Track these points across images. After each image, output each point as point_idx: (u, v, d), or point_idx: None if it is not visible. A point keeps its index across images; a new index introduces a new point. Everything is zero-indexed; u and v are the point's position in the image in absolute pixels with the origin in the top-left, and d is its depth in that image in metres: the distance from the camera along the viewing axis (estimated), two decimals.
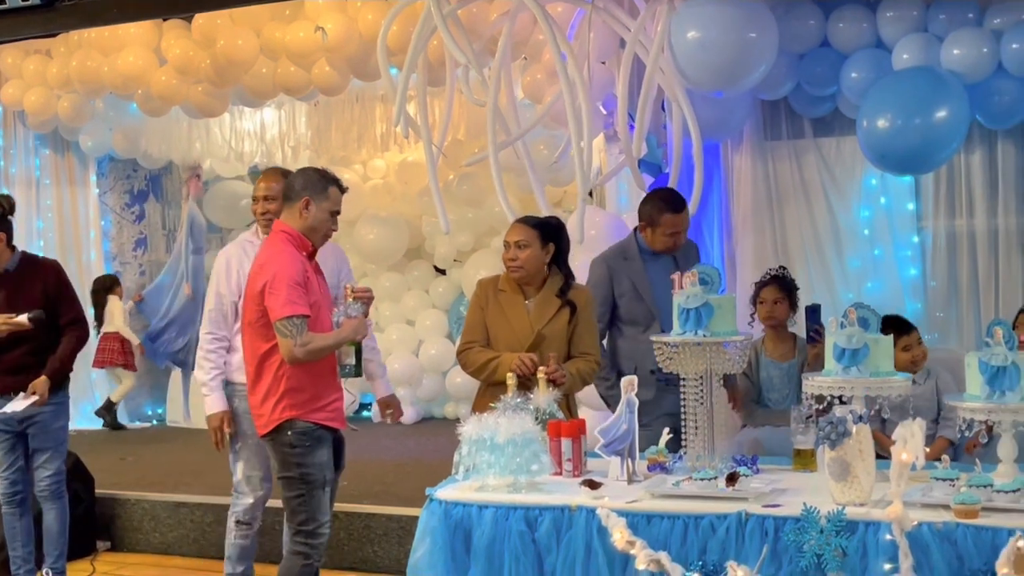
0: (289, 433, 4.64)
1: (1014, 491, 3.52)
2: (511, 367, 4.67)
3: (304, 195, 4.70)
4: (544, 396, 4.44)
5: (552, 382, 4.57)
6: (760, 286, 5.97)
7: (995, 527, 3.37)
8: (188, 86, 8.46)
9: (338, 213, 4.83)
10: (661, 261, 5.41)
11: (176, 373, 10.23)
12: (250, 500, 5.31)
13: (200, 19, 8.04)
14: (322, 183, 4.74)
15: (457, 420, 9.54)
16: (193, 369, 9.03)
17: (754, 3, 6.05)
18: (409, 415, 9.93)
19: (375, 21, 7.48)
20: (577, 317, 4.93)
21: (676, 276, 4.29)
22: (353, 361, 4.83)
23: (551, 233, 4.99)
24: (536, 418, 4.21)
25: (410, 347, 9.99)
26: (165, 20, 8.37)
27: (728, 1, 5.96)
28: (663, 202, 5.38)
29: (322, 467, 4.70)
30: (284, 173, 5.23)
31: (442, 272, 10.28)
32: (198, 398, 9.35)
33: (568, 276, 5.02)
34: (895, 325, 5.24)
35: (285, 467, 4.68)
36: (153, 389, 10.69)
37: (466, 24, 6.51)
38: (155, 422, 10.52)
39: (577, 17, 6.62)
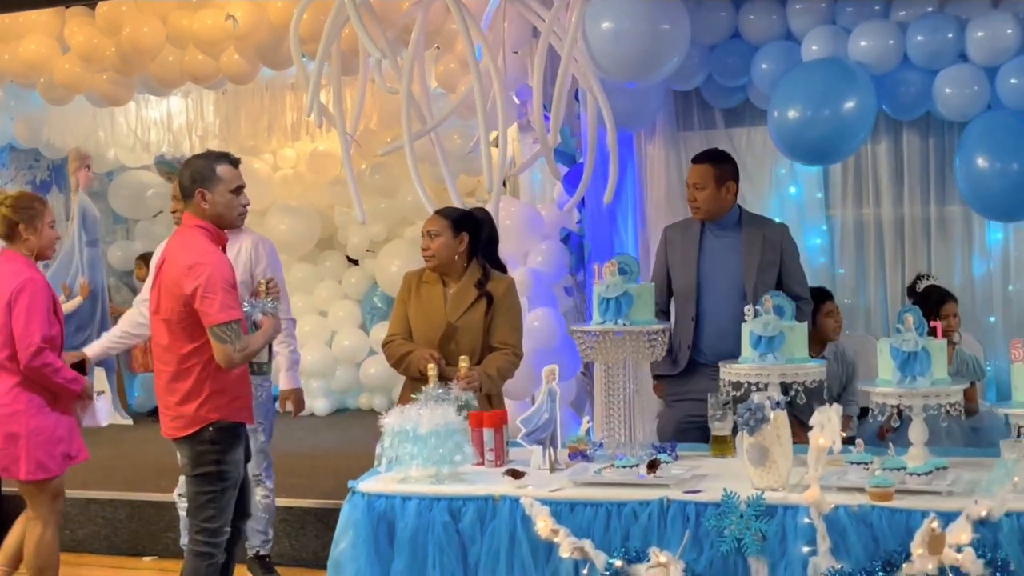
0: (211, 430, 4.53)
1: (926, 473, 3.61)
2: (419, 366, 4.70)
3: (195, 187, 4.55)
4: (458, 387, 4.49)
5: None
6: None
7: (909, 509, 3.46)
8: (92, 74, 8.25)
9: (241, 188, 4.66)
10: (727, 235, 5.38)
11: (99, 373, 9.89)
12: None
13: (104, 6, 7.85)
14: (209, 167, 4.57)
15: (372, 411, 9.58)
16: (101, 365, 8.89)
17: None
18: (323, 407, 9.88)
19: (285, 8, 7.38)
20: (495, 308, 4.93)
21: (596, 266, 4.33)
22: (266, 359, 4.81)
23: (464, 223, 5.02)
24: (457, 409, 4.21)
25: (323, 338, 9.93)
26: (68, 7, 8.17)
27: None
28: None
29: (238, 465, 4.66)
30: None
31: (355, 262, 10.23)
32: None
33: (486, 267, 5.02)
34: (817, 295, 5.66)
35: (202, 464, 4.56)
36: None
37: (379, 12, 6.47)
38: None
39: (491, 7, 6.62)
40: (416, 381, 4.67)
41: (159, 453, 8.06)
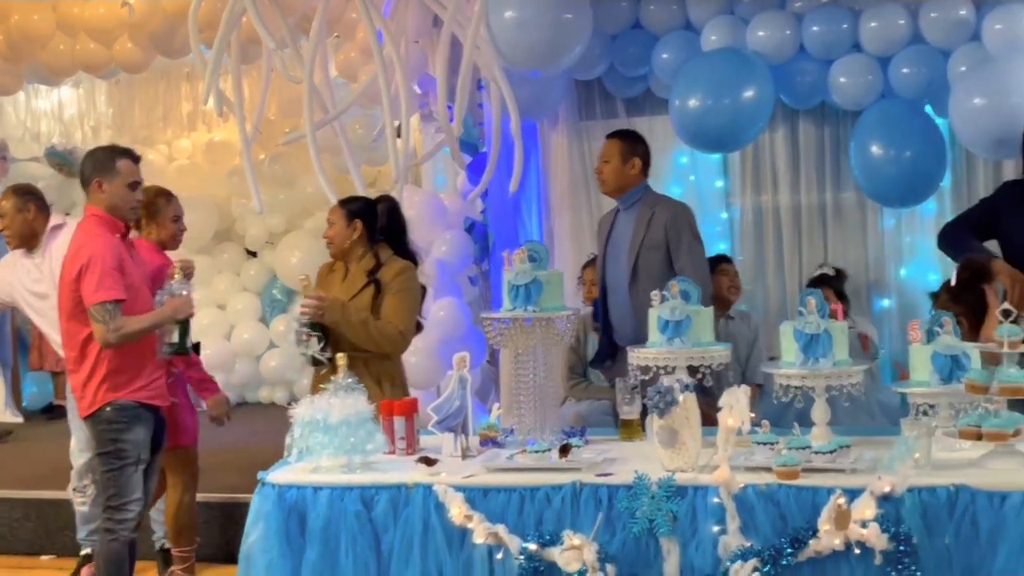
0: (108, 410, 4.73)
1: (830, 452, 3.70)
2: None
3: (94, 177, 4.78)
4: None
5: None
6: (584, 267, 6.13)
7: (815, 486, 3.52)
8: None
9: (138, 184, 4.87)
10: (630, 215, 5.36)
11: None
12: (74, 469, 5.64)
13: None
14: (109, 160, 4.80)
15: (273, 404, 9.46)
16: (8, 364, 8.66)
17: None
18: None
19: None
20: (383, 291, 4.93)
21: (506, 254, 4.34)
22: (175, 339, 4.81)
23: (358, 212, 5.06)
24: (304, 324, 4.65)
25: (222, 331, 9.77)
26: None
27: None
28: None
29: (138, 444, 4.78)
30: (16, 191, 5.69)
31: (253, 254, 10.08)
32: None
33: (379, 256, 5.01)
34: (714, 259, 5.84)
35: (101, 443, 4.78)
36: None
37: (279, 0, 6.40)
38: None
39: None
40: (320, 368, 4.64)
41: (55, 450, 7.90)
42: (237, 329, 9.78)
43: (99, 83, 9.20)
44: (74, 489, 5.70)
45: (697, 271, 5.01)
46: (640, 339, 4.69)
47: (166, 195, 5.57)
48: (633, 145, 5.35)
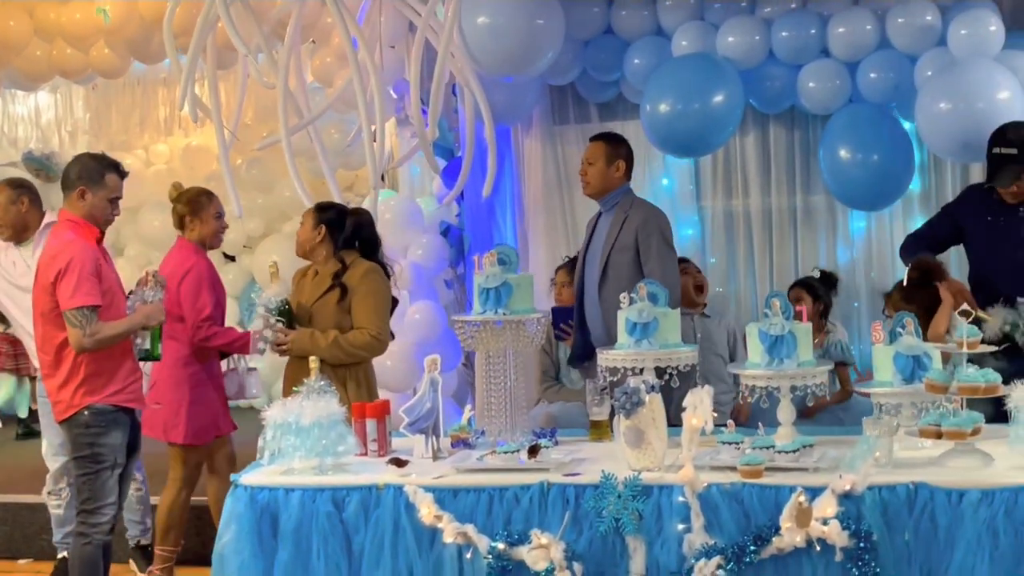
0: (86, 413, 4.75)
1: (794, 451, 3.76)
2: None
3: (79, 184, 4.82)
4: (272, 287, 5.06)
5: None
6: (557, 269, 6.20)
7: (778, 485, 3.59)
8: None
9: (118, 199, 4.95)
10: (609, 217, 5.36)
11: None
12: (49, 473, 5.70)
13: None
14: (98, 171, 4.85)
15: (251, 408, 9.48)
16: None
17: None
18: None
19: (157, 2, 7.27)
20: (350, 294, 5.07)
21: (476, 257, 4.39)
22: (147, 345, 4.85)
23: (326, 217, 5.21)
24: (270, 310, 4.95)
25: None
26: None
27: None
28: None
29: (114, 448, 4.82)
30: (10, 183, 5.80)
31: (231, 259, 10.11)
32: None
33: (344, 261, 5.15)
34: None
35: (77, 447, 4.81)
36: None
37: (254, 6, 6.43)
38: None
39: (367, 1, 6.64)
40: (299, 370, 4.68)
41: (30, 455, 7.91)
42: None
43: (76, 88, 9.21)
44: (49, 492, 5.74)
45: (666, 275, 5.00)
46: (609, 341, 4.77)
47: (207, 193, 5.71)
48: (618, 147, 5.37)
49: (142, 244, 9.58)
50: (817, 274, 6.36)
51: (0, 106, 9.40)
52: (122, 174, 4.95)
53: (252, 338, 5.15)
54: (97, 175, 4.83)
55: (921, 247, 5.10)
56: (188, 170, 9.94)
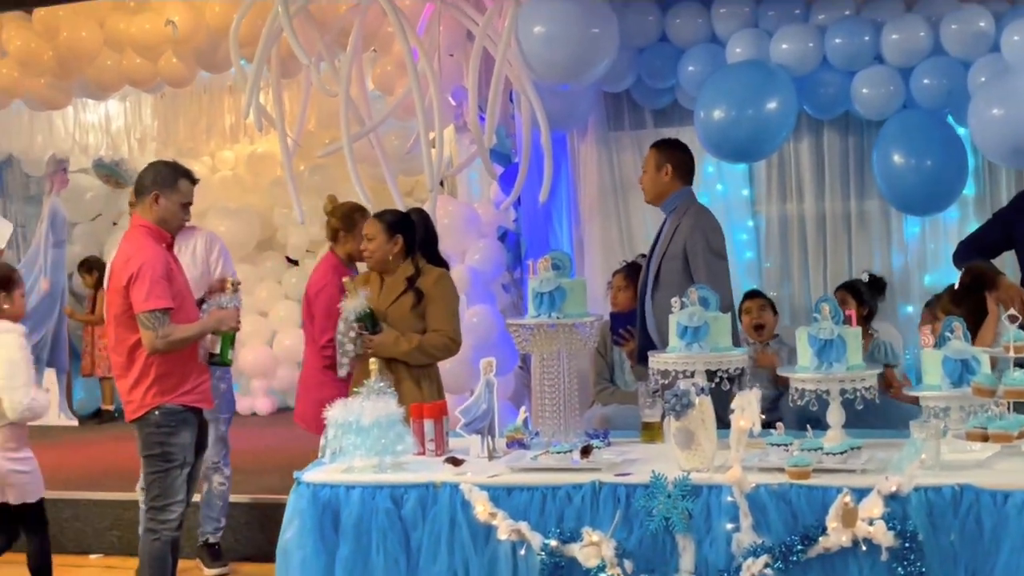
0: (156, 414, 4.92)
1: (841, 453, 3.83)
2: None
3: (153, 189, 4.98)
4: (352, 301, 5.03)
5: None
6: (614, 273, 6.30)
7: (825, 486, 3.65)
8: (30, 79, 8.29)
9: (189, 204, 5.11)
10: (667, 221, 5.49)
11: (49, 373, 9.38)
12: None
13: (41, 11, 7.89)
14: (172, 177, 5.02)
15: (253, 415, 9.64)
16: (53, 365, 8.91)
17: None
18: (264, 406, 9.98)
19: (222, 13, 7.47)
20: (426, 299, 5.19)
21: (531, 262, 4.51)
22: (217, 350, 5.00)
23: (398, 226, 5.27)
24: (352, 320, 4.95)
25: (264, 338, 10.03)
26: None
27: None
28: None
29: (184, 448, 4.99)
30: None
31: (294, 263, 10.33)
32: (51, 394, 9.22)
33: (418, 265, 5.26)
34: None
35: (148, 446, 4.98)
36: None
37: (316, 16, 6.60)
38: None
39: (426, 10, 6.78)
40: (364, 364, 4.82)
41: (103, 453, 8.16)
42: (279, 336, 10.02)
43: (145, 96, 9.44)
44: (141, 487, 5.85)
45: (713, 285, 4.91)
46: (660, 346, 4.86)
47: (361, 210, 5.88)
48: (664, 152, 5.47)
49: None
50: (866, 278, 6.40)
51: (72, 114, 9.65)
52: (193, 181, 5.11)
53: (338, 353, 5.16)
54: (171, 180, 5.00)
55: (973, 253, 5.13)
56: (253, 176, 10.18)
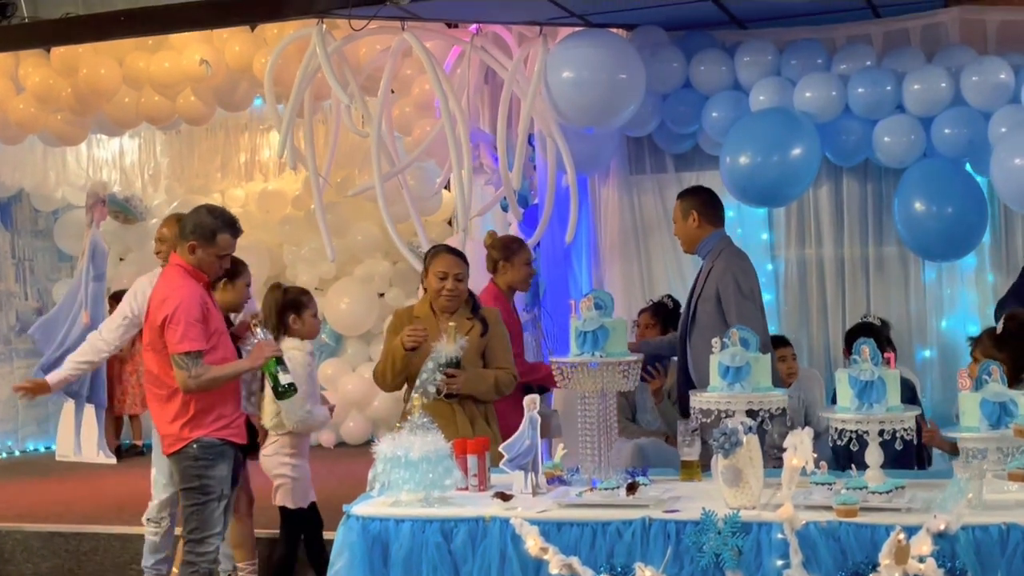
0: (194, 447, 4.97)
1: (887, 492, 3.92)
2: (403, 341, 5.05)
3: (192, 239, 5.01)
4: (450, 345, 4.95)
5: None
6: (640, 312, 6.39)
7: (873, 524, 3.74)
8: (47, 114, 8.36)
9: (228, 256, 5.13)
10: (703, 264, 5.62)
11: (68, 405, 9.58)
12: (155, 501, 5.87)
13: (60, 48, 7.97)
14: (211, 230, 5.01)
15: (319, 446, 9.66)
16: (87, 400, 8.90)
17: (623, 45, 6.45)
18: None
19: (243, 52, 7.59)
20: (490, 335, 5.26)
21: (573, 302, 4.59)
22: (272, 384, 5.06)
23: (466, 266, 5.39)
24: (442, 364, 4.88)
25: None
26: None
27: (599, 43, 6.35)
28: None
29: (221, 480, 5.04)
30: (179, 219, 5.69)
31: None
32: (89, 430, 9.23)
33: (474, 296, 5.39)
34: (773, 340, 5.87)
35: (186, 479, 5.02)
36: (41, 422, 10.39)
37: (349, 59, 6.71)
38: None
39: (453, 52, 6.90)
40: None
41: (120, 487, 8.15)
42: None
43: (157, 133, 9.52)
44: (148, 519, 5.90)
45: (748, 325, 5.16)
46: (697, 386, 4.95)
47: (518, 241, 6.06)
48: (688, 200, 5.59)
49: None
50: (877, 322, 6.50)
51: (85, 150, 9.70)
52: (235, 233, 5.11)
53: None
54: (209, 234, 5.00)
55: (1016, 304, 5.25)
56: (264, 214, 10.24)
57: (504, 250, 6.03)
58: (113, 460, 9.37)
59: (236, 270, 5.84)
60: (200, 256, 5.01)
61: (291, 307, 5.73)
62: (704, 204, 5.61)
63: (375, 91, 6.65)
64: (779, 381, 5.94)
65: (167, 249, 5.70)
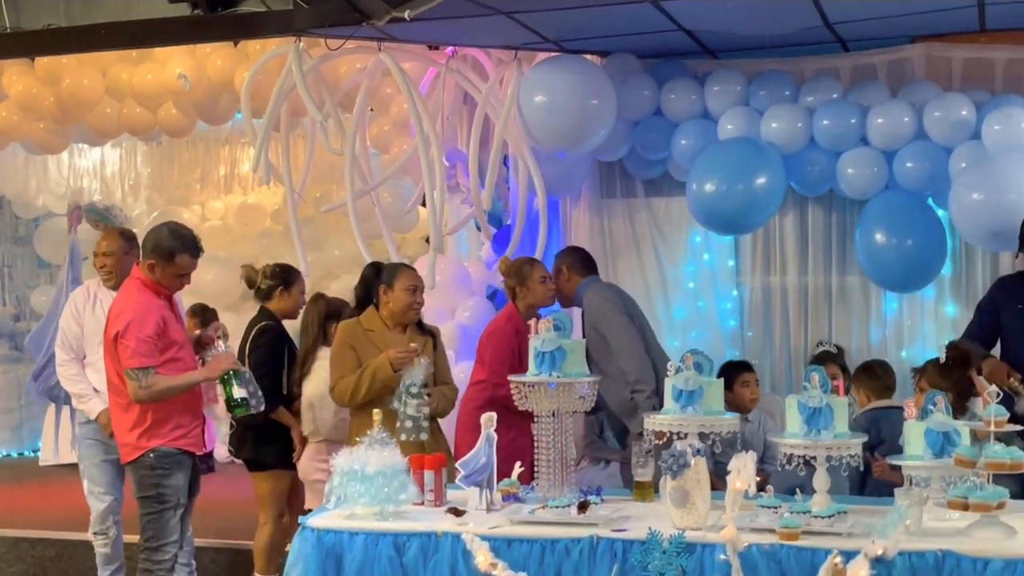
0: (151, 456, 5.04)
1: (829, 516, 4.01)
2: (392, 361, 5.13)
3: (152, 257, 5.09)
4: (418, 369, 5.08)
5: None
6: None
7: (814, 547, 3.83)
8: (30, 123, 8.42)
9: (187, 275, 5.17)
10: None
11: (52, 410, 9.51)
12: (95, 513, 5.85)
13: (44, 58, 8.03)
14: (170, 251, 5.08)
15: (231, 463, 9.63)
16: (65, 402, 8.91)
17: (596, 72, 6.56)
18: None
19: (224, 66, 7.66)
20: (437, 349, 5.44)
21: (532, 322, 4.68)
22: (225, 396, 5.11)
23: None
24: (411, 392, 4.99)
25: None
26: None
27: (572, 69, 6.46)
28: None
29: (177, 489, 5.11)
30: (123, 234, 5.92)
31: None
32: (67, 433, 9.22)
33: None
34: (738, 365, 6.08)
35: (143, 488, 5.09)
36: (14, 428, 10.41)
37: (326, 77, 6.80)
38: None
39: (429, 73, 7.00)
40: (364, 420, 4.92)
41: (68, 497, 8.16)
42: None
43: (139, 143, 9.59)
44: (95, 533, 5.93)
45: (620, 346, 5.66)
46: (617, 415, 5.49)
47: (529, 261, 6.11)
48: (559, 260, 6.04)
49: (195, 297, 9.87)
50: (834, 349, 6.60)
51: (66, 159, 9.77)
52: (195, 254, 5.15)
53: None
54: (168, 255, 5.07)
55: (972, 343, 5.38)
56: (242, 227, 10.31)
57: (517, 276, 6.03)
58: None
59: (290, 279, 6.06)
60: (158, 275, 5.09)
61: (333, 317, 5.88)
62: (573, 259, 6.02)
63: (354, 108, 6.74)
64: (744, 406, 6.12)
65: (112, 263, 5.80)
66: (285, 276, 6.13)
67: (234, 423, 5.92)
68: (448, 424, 5.68)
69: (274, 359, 5.98)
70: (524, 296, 5.99)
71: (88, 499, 5.95)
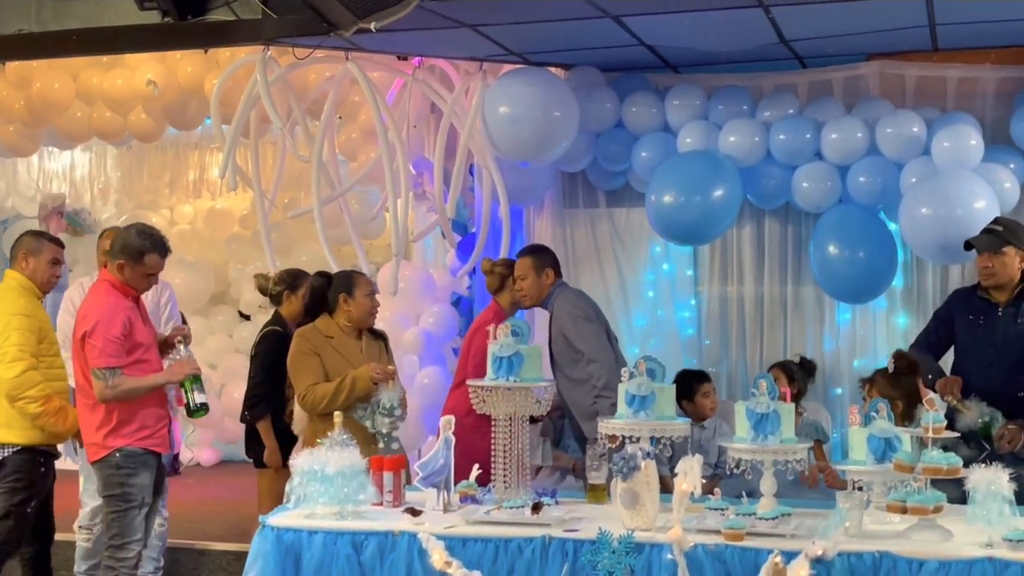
0: (117, 455, 5.13)
1: (773, 519, 4.16)
2: (371, 376, 5.29)
3: (121, 258, 5.19)
4: (391, 392, 5.24)
5: None
6: None
7: (757, 548, 3.98)
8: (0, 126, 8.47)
9: (155, 275, 5.29)
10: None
11: None
12: (85, 508, 6.00)
13: (15, 62, 8.08)
14: (139, 251, 5.18)
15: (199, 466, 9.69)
16: None
17: (559, 84, 6.71)
18: (210, 457, 10.10)
19: (195, 73, 7.73)
20: (388, 351, 5.64)
21: (491, 327, 4.81)
22: (186, 400, 5.21)
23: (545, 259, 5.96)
24: (383, 411, 5.16)
25: (213, 390, 10.13)
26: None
27: (536, 82, 6.60)
28: None
29: (142, 489, 5.20)
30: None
31: (247, 317, 10.47)
32: None
33: None
34: (697, 376, 6.29)
35: (108, 487, 5.19)
36: None
37: (292, 83, 6.90)
38: None
39: (396, 83, 7.12)
40: (325, 423, 5.02)
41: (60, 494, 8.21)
42: (227, 388, 10.13)
43: (109, 148, 9.63)
44: (80, 527, 6.07)
45: (591, 353, 5.71)
46: (577, 419, 5.61)
47: (508, 264, 6.25)
48: (541, 258, 6.01)
49: None
50: (798, 359, 6.76)
51: (36, 161, 9.81)
52: (163, 253, 5.26)
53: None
54: (137, 255, 5.18)
55: (924, 352, 5.53)
56: (211, 231, 10.36)
57: (500, 278, 6.26)
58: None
59: (296, 282, 6.12)
60: (128, 275, 5.19)
61: None
62: (555, 260, 6.07)
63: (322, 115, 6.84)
64: (705, 415, 6.27)
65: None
66: (291, 280, 6.24)
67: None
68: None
69: (273, 364, 6.03)
70: (503, 297, 6.24)
71: (81, 496, 6.11)
